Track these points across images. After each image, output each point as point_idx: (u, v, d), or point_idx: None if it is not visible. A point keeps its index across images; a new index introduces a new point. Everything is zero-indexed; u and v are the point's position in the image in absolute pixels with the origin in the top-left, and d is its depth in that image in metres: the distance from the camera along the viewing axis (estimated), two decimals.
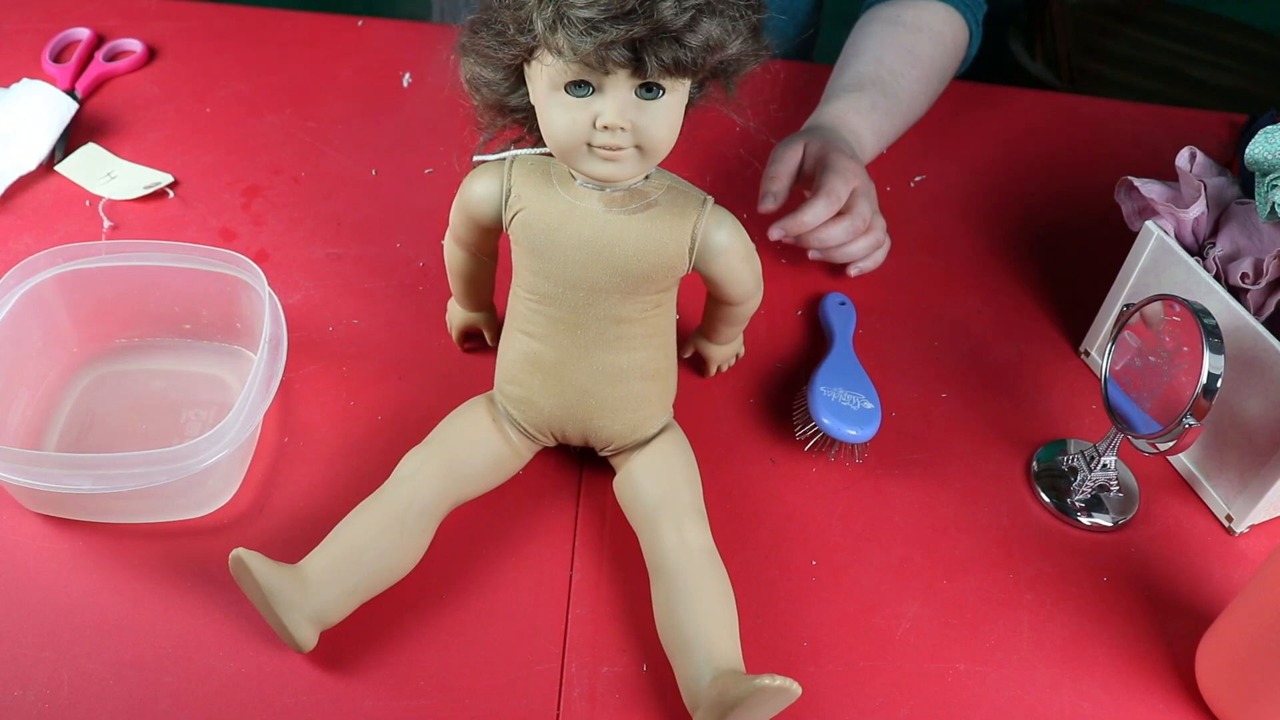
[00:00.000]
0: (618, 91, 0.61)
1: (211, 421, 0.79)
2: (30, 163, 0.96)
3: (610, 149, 0.62)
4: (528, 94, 0.66)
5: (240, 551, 0.64)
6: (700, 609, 0.66)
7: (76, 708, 0.65)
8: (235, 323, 0.83)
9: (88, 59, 1.09)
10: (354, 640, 0.69)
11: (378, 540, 0.68)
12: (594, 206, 0.67)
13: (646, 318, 0.71)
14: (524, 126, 0.70)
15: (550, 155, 0.67)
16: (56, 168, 0.98)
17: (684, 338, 0.84)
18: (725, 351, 0.85)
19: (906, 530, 0.79)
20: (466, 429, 0.74)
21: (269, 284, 0.77)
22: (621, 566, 0.73)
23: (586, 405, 0.73)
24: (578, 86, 0.61)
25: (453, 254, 0.78)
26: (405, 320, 0.88)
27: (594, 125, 0.62)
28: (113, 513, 0.73)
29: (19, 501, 0.74)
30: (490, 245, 0.76)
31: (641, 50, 0.59)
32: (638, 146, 0.63)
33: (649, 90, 0.61)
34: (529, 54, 0.63)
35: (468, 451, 0.73)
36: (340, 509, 0.75)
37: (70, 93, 1.04)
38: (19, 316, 0.76)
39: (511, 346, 0.73)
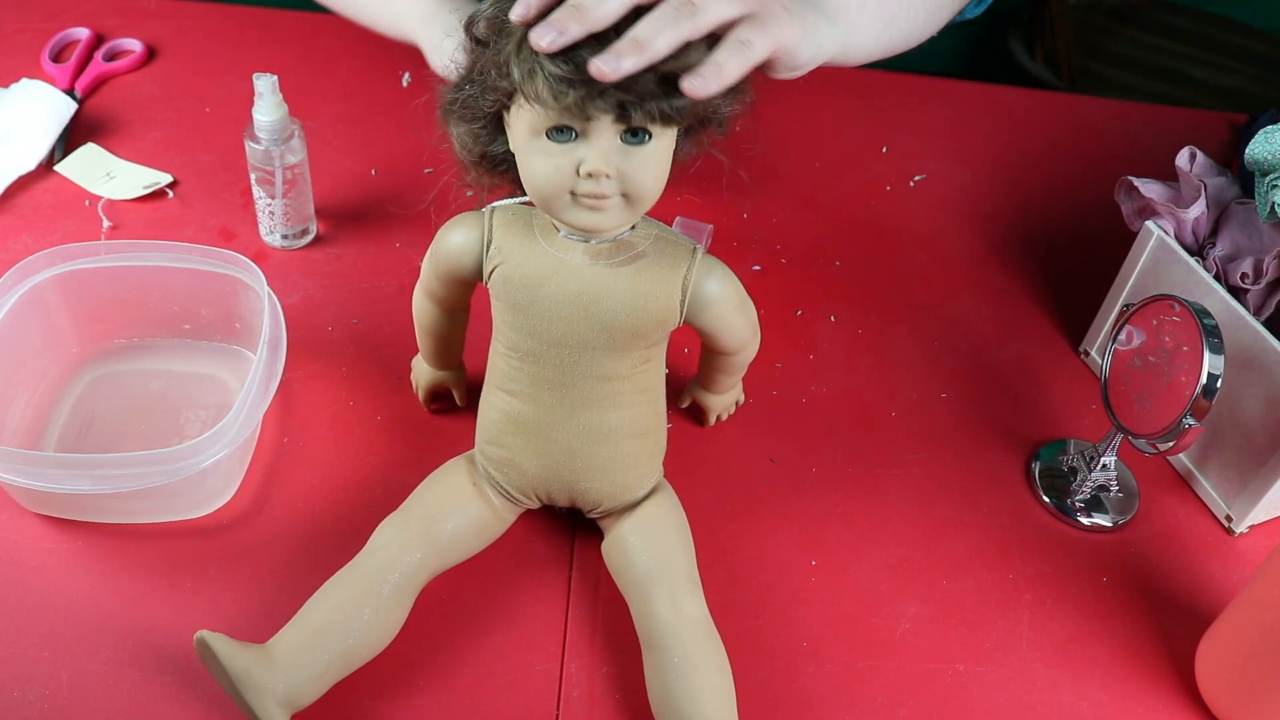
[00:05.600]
0: (601, 137, 0.58)
1: (211, 422, 0.79)
2: (29, 162, 0.96)
3: (595, 197, 0.60)
4: (508, 141, 0.64)
5: (204, 634, 0.61)
6: (699, 684, 0.63)
7: (76, 707, 0.65)
8: (235, 323, 0.83)
9: (87, 59, 1.09)
10: None
11: (351, 618, 0.64)
12: (579, 259, 0.64)
13: (635, 374, 0.68)
14: (508, 177, 0.67)
15: (531, 205, 0.65)
16: (56, 168, 0.98)
17: (681, 387, 0.83)
18: (725, 400, 0.81)
19: (906, 530, 0.79)
20: (444, 494, 0.70)
21: (268, 284, 0.77)
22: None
23: (573, 466, 0.69)
24: (559, 132, 0.59)
25: (423, 309, 0.74)
26: (405, 320, 0.87)
27: (577, 172, 0.59)
28: (112, 513, 0.73)
29: (19, 502, 0.73)
30: (465, 299, 0.73)
31: (626, 102, 0.57)
32: (624, 195, 0.60)
33: (634, 135, 0.59)
34: (508, 99, 0.60)
35: (446, 517, 0.69)
36: (340, 509, 0.75)
37: (69, 92, 1.04)
38: (18, 316, 0.76)
39: (492, 406, 0.70)
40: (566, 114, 0.57)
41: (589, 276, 0.64)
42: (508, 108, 0.62)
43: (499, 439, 0.70)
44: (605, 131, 0.58)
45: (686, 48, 0.58)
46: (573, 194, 0.60)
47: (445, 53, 0.84)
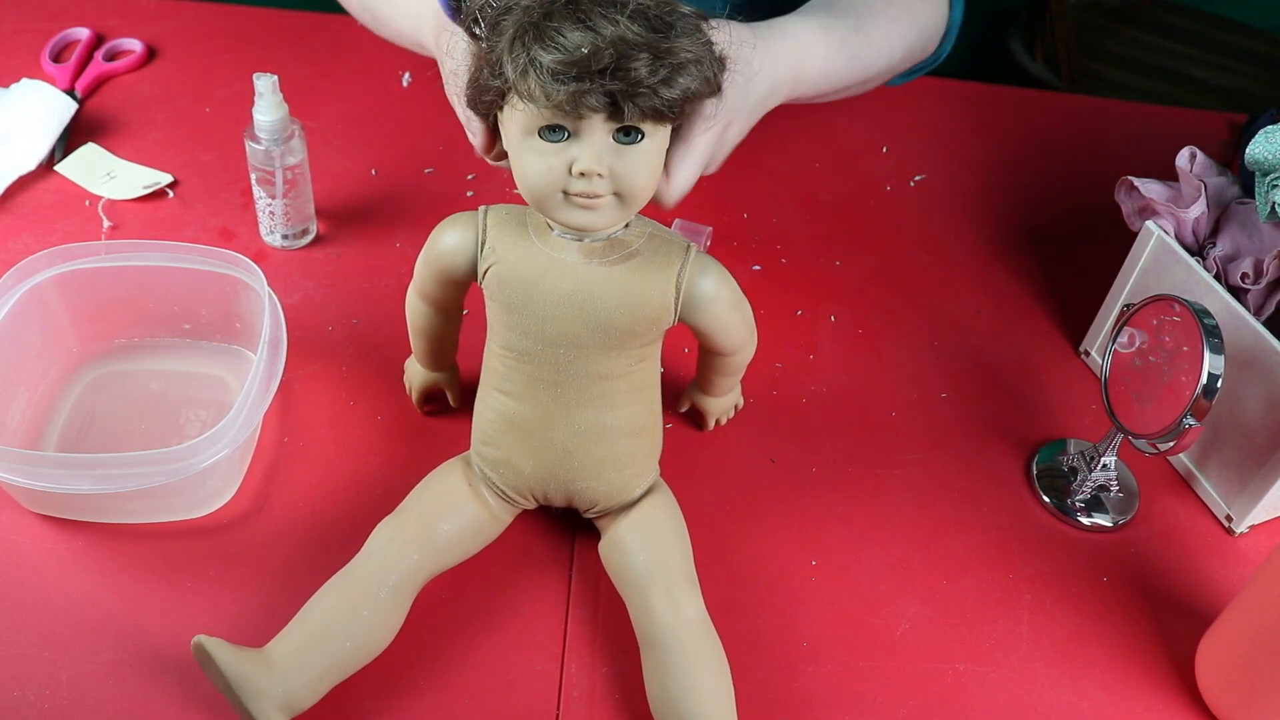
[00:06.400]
0: (594, 136, 0.58)
1: (211, 421, 0.79)
2: (30, 163, 0.96)
3: (587, 196, 0.60)
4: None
5: (202, 639, 0.61)
6: (698, 684, 0.63)
7: (76, 707, 0.65)
8: (235, 323, 0.83)
9: (87, 59, 1.09)
10: None
11: (348, 621, 0.64)
12: (573, 258, 0.64)
13: (630, 373, 0.67)
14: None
15: (526, 205, 0.65)
16: (56, 168, 0.98)
17: (680, 391, 0.83)
18: (723, 404, 0.81)
19: (906, 530, 0.79)
20: (441, 495, 0.70)
21: (268, 284, 0.77)
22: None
23: (569, 466, 0.69)
24: (552, 131, 0.59)
25: (417, 310, 0.74)
26: (405, 320, 0.88)
27: (570, 172, 0.59)
28: (112, 513, 0.73)
29: (19, 502, 0.73)
30: (459, 299, 0.73)
31: (619, 97, 0.57)
32: (616, 194, 0.60)
33: (627, 134, 0.59)
34: (501, 98, 0.60)
35: (443, 519, 0.69)
36: (340, 509, 0.75)
37: (70, 92, 1.04)
38: (18, 316, 0.76)
39: (488, 406, 0.70)
40: (559, 112, 0.57)
41: (583, 275, 0.64)
42: (501, 107, 0.62)
43: (494, 439, 0.70)
44: (598, 130, 0.58)
45: (680, 54, 0.58)
46: (565, 193, 0.60)
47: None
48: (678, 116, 0.60)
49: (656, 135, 0.60)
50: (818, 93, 0.86)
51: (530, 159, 0.60)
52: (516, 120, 0.60)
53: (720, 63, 0.61)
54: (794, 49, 0.80)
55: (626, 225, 0.65)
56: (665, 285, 0.65)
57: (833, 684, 0.70)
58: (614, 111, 0.57)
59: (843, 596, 0.74)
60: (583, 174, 0.59)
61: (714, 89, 0.62)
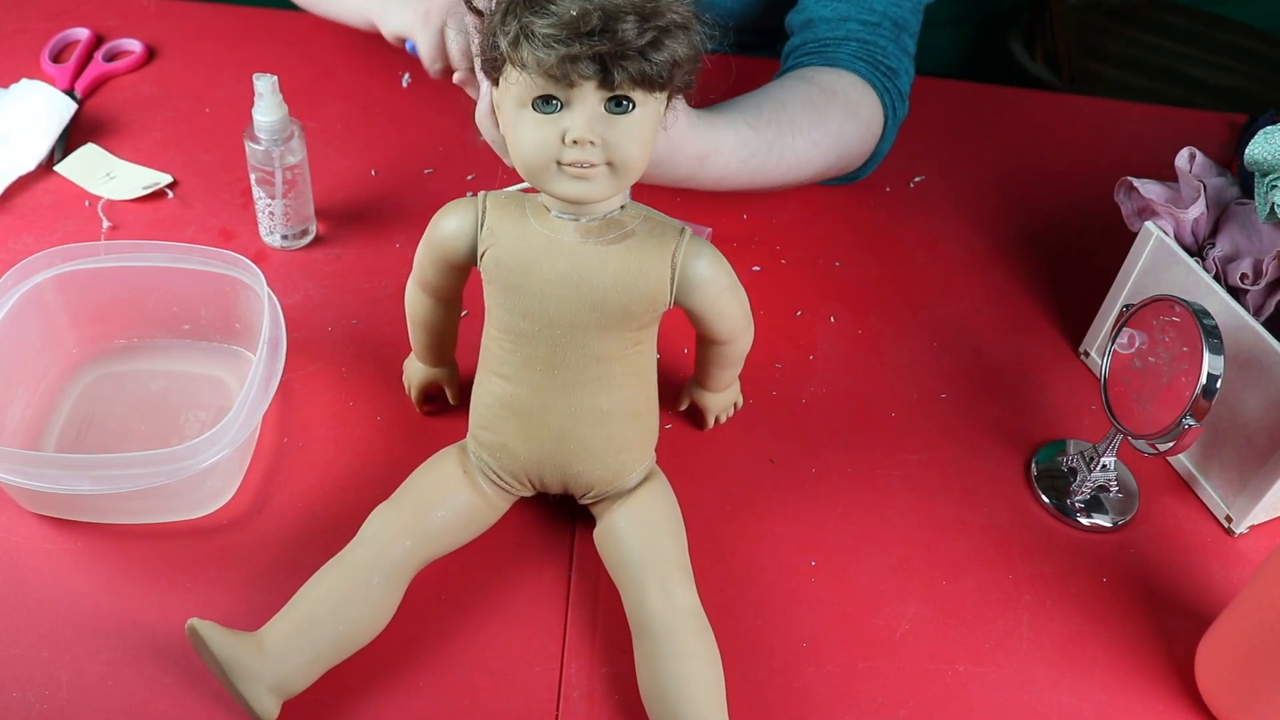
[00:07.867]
0: (586, 105, 0.59)
1: (210, 422, 0.79)
2: (29, 163, 0.96)
3: (581, 166, 0.61)
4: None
5: (195, 621, 0.62)
6: (688, 674, 0.64)
7: (76, 707, 0.65)
8: (234, 323, 0.83)
9: (87, 59, 1.09)
10: None
11: (341, 606, 0.65)
12: (570, 238, 0.64)
13: (627, 355, 0.68)
14: None
15: (525, 191, 0.66)
16: (55, 168, 0.98)
17: (679, 389, 0.83)
18: (723, 400, 0.81)
19: (906, 530, 0.79)
20: (435, 482, 0.71)
21: (268, 284, 0.77)
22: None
23: (565, 449, 0.70)
24: (545, 102, 0.60)
25: (417, 301, 0.75)
26: (404, 320, 0.88)
27: (563, 141, 0.60)
28: (112, 513, 0.73)
29: (19, 502, 0.74)
30: (458, 288, 0.73)
31: (608, 62, 0.58)
32: (609, 164, 0.61)
33: (618, 104, 0.60)
34: (498, 71, 0.62)
35: (437, 506, 0.69)
36: (339, 509, 0.75)
37: (69, 93, 1.04)
38: (18, 317, 0.76)
39: (485, 390, 0.71)
40: (551, 80, 0.58)
41: (579, 255, 0.65)
42: (496, 82, 0.63)
43: (491, 423, 0.71)
44: (589, 99, 0.59)
45: (666, 15, 0.59)
46: (559, 164, 0.61)
47: (391, 20, 0.91)
48: (666, 84, 0.61)
49: (648, 105, 0.61)
50: (710, 188, 0.88)
51: (525, 130, 0.61)
52: (511, 93, 0.61)
53: (707, 31, 0.62)
54: (701, 148, 0.82)
55: (622, 207, 0.66)
56: (661, 265, 0.65)
57: (833, 684, 0.70)
58: (605, 79, 0.58)
59: (843, 596, 0.74)
60: (575, 142, 0.60)
61: (701, 57, 0.62)
